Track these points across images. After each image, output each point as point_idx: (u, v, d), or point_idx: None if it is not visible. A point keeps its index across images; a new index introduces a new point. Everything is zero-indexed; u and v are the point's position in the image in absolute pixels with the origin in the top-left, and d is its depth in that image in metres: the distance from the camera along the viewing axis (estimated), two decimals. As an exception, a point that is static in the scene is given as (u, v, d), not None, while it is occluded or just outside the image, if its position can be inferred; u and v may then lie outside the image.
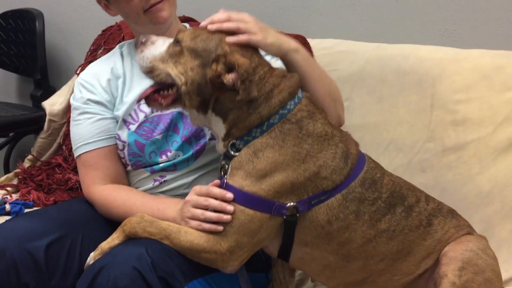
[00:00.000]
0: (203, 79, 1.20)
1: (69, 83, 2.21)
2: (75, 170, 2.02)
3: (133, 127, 1.47)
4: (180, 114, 1.46)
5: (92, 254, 1.26)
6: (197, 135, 1.47)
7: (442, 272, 1.24)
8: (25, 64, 2.63)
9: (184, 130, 1.46)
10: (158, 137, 1.45)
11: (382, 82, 1.88)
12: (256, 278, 1.52)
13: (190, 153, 1.46)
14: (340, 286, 1.35)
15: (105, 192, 1.45)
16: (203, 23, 1.27)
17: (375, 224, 1.25)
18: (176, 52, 1.23)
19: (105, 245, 1.25)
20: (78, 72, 2.15)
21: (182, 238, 1.20)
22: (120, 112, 1.49)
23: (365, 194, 1.25)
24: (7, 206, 1.73)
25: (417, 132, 1.82)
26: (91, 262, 1.23)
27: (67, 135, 2.09)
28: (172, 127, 1.46)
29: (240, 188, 1.19)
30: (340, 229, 1.22)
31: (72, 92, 1.58)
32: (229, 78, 1.17)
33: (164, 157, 1.46)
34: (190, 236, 1.20)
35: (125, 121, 1.48)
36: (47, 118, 2.10)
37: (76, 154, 1.50)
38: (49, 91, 2.47)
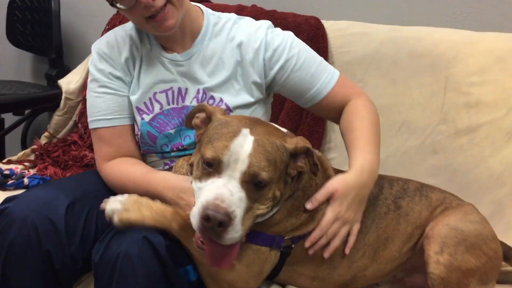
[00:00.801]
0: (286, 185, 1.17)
1: (85, 62, 2.23)
2: (90, 148, 2.05)
3: (146, 117, 1.45)
4: None
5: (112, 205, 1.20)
6: None
7: (427, 255, 1.27)
8: (40, 43, 2.65)
9: None
10: (171, 131, 1.44)
11: (395, 64, 1.88)
12: None
13: None
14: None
15: (112, 168, 1.44)
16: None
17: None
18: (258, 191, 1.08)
19: (131, 215, 1.18)
20: (93, 51, 2.17)
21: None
22: (134, 97, 1.45)
23: None
24: (25, 180, 1.77)
25: (430, 114, 1.83)
26: (107, 207, 1.19)
27: (82, 113, 2.13)
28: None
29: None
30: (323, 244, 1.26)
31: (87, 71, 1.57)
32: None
33: (175, 149, 1.47)
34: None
35: (138, 109, 1.45)
36: (63, 96, 2.13)
37: (92, 126, 1.48)
38: (64, 71, 2.49)
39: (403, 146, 1.85)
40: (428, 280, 1.26)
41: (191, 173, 1.16)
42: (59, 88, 2.17)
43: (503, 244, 1.39)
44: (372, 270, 1.34)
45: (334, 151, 1.95)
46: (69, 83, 2.15)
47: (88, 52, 2.26)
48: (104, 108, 1.45)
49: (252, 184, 1.05)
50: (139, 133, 1.46)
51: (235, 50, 1.45)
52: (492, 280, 1.35)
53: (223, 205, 1.00)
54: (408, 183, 1.42)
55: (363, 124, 1.37)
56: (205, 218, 1.00)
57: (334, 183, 1.23)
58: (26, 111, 2.37)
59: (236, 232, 1.02)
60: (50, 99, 2.20)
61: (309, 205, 1.21)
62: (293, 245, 1.24)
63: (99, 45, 1.48)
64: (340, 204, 1.22)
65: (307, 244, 1.22)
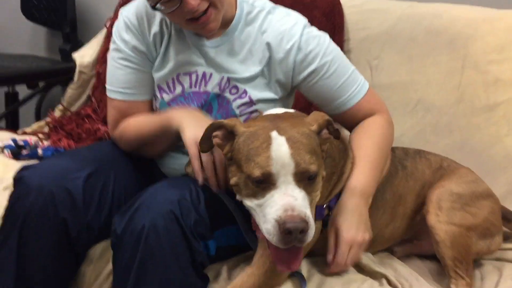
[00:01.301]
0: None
1: (99, 36, 2.23)
2: (104, 121, 2.05)
3: (166, 97, 1.42)
4: (216, 95, 1.41)
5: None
6: None
7: (427, 214, 1.36)
8: (54, 18, 2.65)
9: (218, 113, 1.42)
10: None
11: (412, 41, 1.86)
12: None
13: None
14: None
15: (122, 125, 1.45)
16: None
17: None
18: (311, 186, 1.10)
19: None
20: (107, 25, 2.17)
21: None
22: (157, 75, 1.42)
23: None
24: (40, 151, 1.78)
25: (446, 93, 1.80)
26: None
27: (96, 87, 2.13)
28: (206, 107, 1.42)
29: None
30: None
31: (104, 41, 1.54)
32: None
33: None
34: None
35: (159, 87, 1.43)
36: (77, 69, 2.13)
37: (109, 95, 1.46)
38: (78, 45, 2.48)
39: (418, 124, 1.83)
40: (432, 239, 1.33)
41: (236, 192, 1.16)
42: (73, 61, 2.17)
43: (503, 208, 1.48)
44: (390, 229, 1.41)
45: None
46: (83, 56, 2.15)
47: (101, 27, 2.27)
48: (123, 82, 1.42)
49: (306, 179, 1.07)
50: (157, 110, 1.45)
51: (265, 46, 1.38)
52: (496, 234, 1.41)
53: (295, 213, 1.02)
54: (407, 149, 1.51)
55: (368, 144, 1.37)
56: (287, 232, 1.01)
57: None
58: (40, 84, 2.38)
59: (313, 229, 1.05)
60: (64, 72, 2.21)
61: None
62: (330, 212, 1.27)
63: (127, 13, 1.41)
64: (347, 233, 1.25)
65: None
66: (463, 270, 1.30)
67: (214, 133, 1.17)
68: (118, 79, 1.43)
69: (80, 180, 1.28)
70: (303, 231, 1.01)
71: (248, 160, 1.07)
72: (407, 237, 1.50)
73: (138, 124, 1.43)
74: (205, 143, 1.18)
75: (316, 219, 1.19)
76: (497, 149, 1.70)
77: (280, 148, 1.05)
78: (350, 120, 1.45)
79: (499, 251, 1.48)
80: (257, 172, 1.05)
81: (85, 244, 1.33)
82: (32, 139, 1.86)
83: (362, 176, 1.30)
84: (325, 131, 1.18)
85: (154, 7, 1.28)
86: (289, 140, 1.07)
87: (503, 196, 1.60)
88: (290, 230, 1.00)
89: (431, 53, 1.83)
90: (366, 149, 1.35)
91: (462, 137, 1.76)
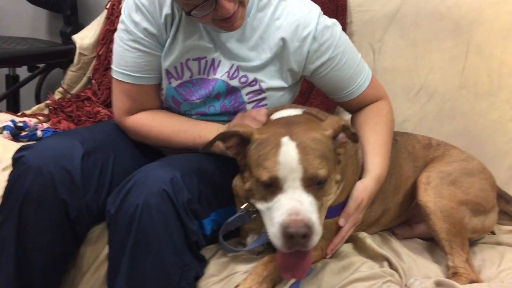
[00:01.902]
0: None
1: (99, 18, 2.21)
2: (104, 104, 2.05)
3: (174, 83, 1.39)
4: (225, 83, 1.38)
5: None
6: (237, 110, 1.41)
7: (417, 190, 1.39)
8: (55, 0, 2.62)
9: (226, 99, 1.41)
10: (197, 101, 1.40)
11: (416, 25, 1.83)
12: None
13: (225, 119, 1.43)
14: (363, 228, 1.42)
15: (140, 121, 1.42)
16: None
17: None
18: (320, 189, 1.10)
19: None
20: (108, 6, 2.15)
21: None
22: (166, 59, 1.37)
23: None
24: (39, 132, 1.77)
25: (450, 78, 1.79)
26: None
27: (96, 69, 2.11)
28: (213, 95, 1.40)
29: None
30: None
31: (106, 19, 1.49)
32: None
33: (198, 114, 1.44)
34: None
35: (167, 72, 1.39)
36: (77, 51, 2.11)
37: (116, 77, 1.40)
38: (79, 28, 2.46)
39: (421, 110, 1.82)
40: (424, 214, 1.35)
41: (249, 197, 1.18)
42: (73, 44, 2.15)
43: (500, 189, 1.53)
44: (394, 204, 1.45)
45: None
46: (83, 38, 2.13)
47: (102, 9, 2.24)
48: (133, 65, 1.38)
49: (315, 184, 1.07)
50: (164, 95, 1.43)
51: (279, 33, 1.35)
52: (490, 211, 1.42)
53: (299, 218, 1.02)
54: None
55: (385, 131, 1.42)
56: (289, 236, 1.02)
57: (360, 193, 1.28)
58: (40, 66, 2.36)
59: (317, 234, 1.05)
60: (64, 54, 2.19)
61: (341, 221, 1.26)
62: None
63: None
64: (360, 212, 1.29)
65: (330, 252, 1.26)
66: (459, 244, 1.31)
67: (228, 143, 1.18)
68: (127, 61, 1.38)
69: (79, 160, 1.27)
70: (306, 236, 1.02)
71: (258, 165, 1.09)
72: (405, 219, 1.52)
73: (164, 129, 1.40)
74: (209, 147, 1.21)
75: (332, 217, 1.23)
76: (500, 135, 1.69)
77: (289, 153, 1.07)
78: (356, 106, 1.48)
79: (503, 235, 1.48)
80: (265, 176, 1.06)
81: (85, 225, 1.33)
82: (31, 121, 1.84)
83: (383, 163, 1.35)
84: (342, 135, 1.18)
85: (188, 13, 1.24)
86: (298, 145, 1.08)
87: (505, 181, 1.60)
88: (292, 235, 1.01)
89: (435, 37, 1.80)
90: (384, 135, 1.40)
91: (465, 123, 1.75)
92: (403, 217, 1.52)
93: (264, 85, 1.39)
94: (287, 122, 1.17)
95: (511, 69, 1.68)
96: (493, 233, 1.51)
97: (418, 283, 1.21)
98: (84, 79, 2.15)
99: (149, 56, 1.37)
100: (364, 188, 1.29)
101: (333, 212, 1.25)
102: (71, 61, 2.14)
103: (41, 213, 1.25)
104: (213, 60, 1.38)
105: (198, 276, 1.24)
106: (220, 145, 1.24)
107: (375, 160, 1.34)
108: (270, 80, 1.39)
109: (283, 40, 1.35)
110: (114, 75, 1.42)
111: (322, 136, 1.12)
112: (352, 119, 1.52)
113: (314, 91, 1.92)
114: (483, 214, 1.40)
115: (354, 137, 1.20)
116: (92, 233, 1.39)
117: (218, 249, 1.32)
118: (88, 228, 1.37)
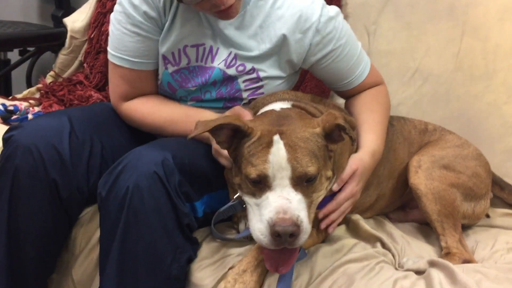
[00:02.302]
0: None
1: (90, 1, 2.17)
2: (96, 88, 2.03)
3: (170, 68, 1.37)
4: (222, 71, 1.37)
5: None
6: (233, 97, 1.40)
7: (408, 172, 1.40)
8: (46, -17, 2.59)
9: (222, 86, 1.39)
10: (192, 88, 1.39)
11: (411, 7, 1.81)
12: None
13: (220, 105, 1.42)
14: (357, 213, 1.41)
15: (135, 108, 1.40)
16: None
17: None
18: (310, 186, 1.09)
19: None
20: (99, -11, 2.11)
21: None
22: (163, 45, 1.35)
23: None
24: (30, 116, 1.75)
25: (445, 61, 1.77)
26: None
27: (88, 53, 2.08)
28: (210, 82, 1.38)
29: None
30: None
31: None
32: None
33: (194, 101, 1.43)
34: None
35: (164, 57, 1.36)
36: (68, 34, 2.08)
37: (114, 61, 1.38)
38: (70, 11, 2.42)
39: (416, 93, 1.80)
40: (415, 197, 1.36)
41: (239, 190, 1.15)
42: (64, 27, 2.12)
43: (496, 175, 1.52)
44: (388, 189, 1.45)
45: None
46: (74, 21, 2.10)
47: (94, -8, 2.21)
48: (131, 49, 1.35)
49: (304, 182, 1.06)
50: (160, 81, 1.41)
51: (279, 23, 1.33)
52: (482, 198, 1.41)
53: (287, 216, 1.01)
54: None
55: (381, 111, 1.42)
56: (276, 235, 1.01)
57: (355, 161, 1.26)
58: (32, 50, 2.34)
59: (305, 233, 1.04)
60: (56, 37, 2.15)
61: (335, 186, 1.23)
62: None
63: None
64: (357, 184, 1.25)
65: (321, 215, 1.23)
66: (451, 225, 1.31)
67: (220, 138, 1.13)
68: (126, 46, 1.35)
69: (66, 137, 1.26)
70: (294, 234, 1.01)
71: (248, 162, 1.07)
72: (400, 204, 1.52)
73: (156, 119, 1.38)
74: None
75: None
76: (494, 118, 1.68)
77: (278, 152, 1.05)
78: (354, 94, 1.47)
79: (497, 217, 1.48)
80: (253, 174, 1.05)
81: (76, 207, 1.32)
82: (22, 105, 1.82)
83: (378, 140, 1.34)
84: (338, 133, 1.14)
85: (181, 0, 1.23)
86: (287, 144, 1.06)
87: (499, 164, 1.59)
88: (279, 233, 1.00)
89: (431, 20, 1.78)
90: (380, 115, 1.40)
91: (459, 106, 1.74)
92: (398, 202, 1.51)
93: (262, 74, 1.37)
94: (278, 117, 1.14)
95: (507, 52, 1.67)
96: (487, 216, 1.50)
97: (411, 262, 1.21)
98: (76, 63, 2.12)
99: (149, 41, 1.35)
100: (359, 158, 1.27)
101: (327, 202, 1.24)
102: (63, 45, 2.11)
103: (31, 192, 1.24)
104: (211, 48, 1.36)
105: (191, 259, 1.24)
106: (213, 145, 1.21)
107: (369, 136, 1.33)
108: (268, 69, 1.37)
109: (284, 29, 1.33)
110: (112, 59, 1.39)
111: (312, 134, 1.10)
112: (347, 102, 1.50)
113: (308, 75, 1.91)
114: (474, 200, 1.39)
115: (351, 140, 1.14)
116: (84, 215, 1.38)
117: (211, 232, 1.31)
118: (80, 210, 1.36)
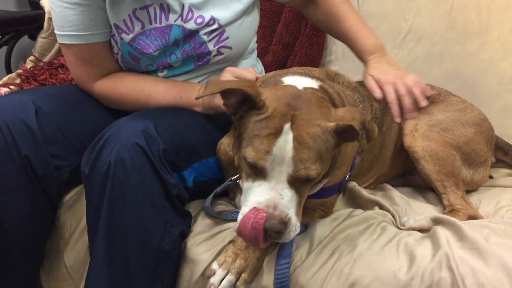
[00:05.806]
0: None
1: (68, -19, 2.10)
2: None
3: (126, 38, 1.31)
4: (180, 27, 1.30)
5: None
6: (200, 53, 1.33)
7: (403, 134, 1.36)
8: (21, -33, 2.50)
9: (185, 44, 1.32)
10: (155, 53, 1.32)
11: (401, -35, 1.75)
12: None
13: (191, 67, 1.36)
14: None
15: (109, 87, 1.35)
16: None
17: None
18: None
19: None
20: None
21: None
22: (111, 12, 1.28)
23: None
24: (6, 99, 1.67)
25: (438, 20, 1.72)
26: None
27: (68, 35, 2.01)
28: (170, 43, 1.31)
29: None
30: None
31: None
32: None
33: (161, 68, 1.36)
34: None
35: (117, 27, 1.30)
36: (46, 16, 2.00)
37: (63, 41, 1.31)
38: (48, -4, 2.35)
39: (409, 55, 1.75)
40: (413, 160, 1.32)
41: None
42: (42, 9, 2.04)
43: (501, 140, 1.48)
44: (388, 156, 1.41)
45: (336, 64, 1.84)
46: (52, 2, 2.02)
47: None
48: (77, 23, 1.27)
49: (301, 182, 1.00)
50: (120, 52, 1.34)
51: None
52: (480, 166, 1.36)
53: (276, 212, 0.95)
54: None
55: (357, 15, 1.42)
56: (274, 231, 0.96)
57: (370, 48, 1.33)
58: (8, 36, 2.26)
59: (293, 230, 0.98)
60: (33, 19, 2.07)
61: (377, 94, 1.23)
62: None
63: None
64: (390, 72, 1.24)
65: (398, 119, 1.20)
66: (452, 184, 1.27)
67: (229, 100, 1.04)
68: (71, 21, 1.27)
69: (33, 113, 1.20)
70: (280, 232, 0.96)
71: (250, 143, 0.99)
72: (400, 173, 1.48)
73: (138, 94, 1.32)
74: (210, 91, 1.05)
75: (337, 191, 1.24)
76: (491, 75, 1.64)
77: (285, 145, 0.97)
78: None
79: (501, 177, 1.44)
80: (250, 158, 0.98)
81: (56, 187, 1.25)
82: (2, 90, 1.75)
83: (374, 36, 1.37)
84: (350, 133, 1.03)
85: None
86: (296, 139, 0.97)
87: (498, 122, 1.54)
88: (265, 229, 0.95)
89: (421, -24, 1.73)
90: (359, 18, 1.42)
91: (454, 65, 1.69)
92: (398, 170, 1.47)
93: (223, 22, 1.30)
94: (296, 98, 1.02)
95: (501, 6, 1.62)
96: (491, 177, 1.45)
97: (412, 220, 1.16)
98: (56, 46, 2.03)
99: (92, 9, 1.27)
100: (377, 62, 1.29)
101: (330, 191, 1.19)
102: (41, 28, 2.03)
103: (4, 169, 1.17)
104: (161, 6, 1.29)
105: (185, 233, 1.17)
106: (215, 101, 1.16)
107: (369, 41, 1.34)
108: (227, 11, 1.31)
109: None
110: (61, 40, 1.31)
111: (323, 131, 0.99)
112: (315, 13, 1.48)
113: (297, 43, 1.85)
114: (472, 167, 1.34)
115: (363, 144, 1.05)
116: (71, 197, 1.33)
117: (203, 208, 1.25)
118: (61, 190, 1.29)
